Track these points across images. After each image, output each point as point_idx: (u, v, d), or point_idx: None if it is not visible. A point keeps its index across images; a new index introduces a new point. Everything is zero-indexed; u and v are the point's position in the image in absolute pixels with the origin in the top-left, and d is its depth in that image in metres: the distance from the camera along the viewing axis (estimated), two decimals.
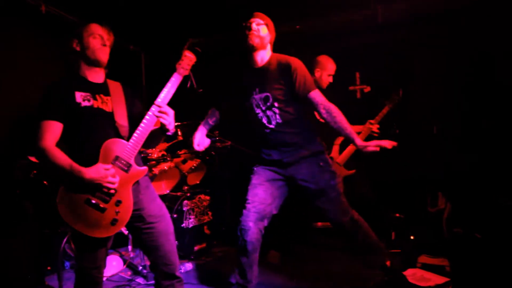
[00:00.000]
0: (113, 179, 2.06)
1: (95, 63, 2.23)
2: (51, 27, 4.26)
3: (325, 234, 4.24)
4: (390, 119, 3.94)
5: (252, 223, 2.73)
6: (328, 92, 3.39)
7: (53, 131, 2.05)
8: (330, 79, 3.68)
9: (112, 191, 2.08)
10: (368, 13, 4.00)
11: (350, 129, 2.56)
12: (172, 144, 4.10)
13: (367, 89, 4.19)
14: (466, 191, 3.91)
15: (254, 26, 2.66)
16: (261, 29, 2.67)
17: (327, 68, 3.61)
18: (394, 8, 3.95)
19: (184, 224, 3.86)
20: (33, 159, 3.56)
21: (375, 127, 3.78)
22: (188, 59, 2.35)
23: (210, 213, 4.14)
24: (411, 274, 3.32)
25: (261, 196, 2.76)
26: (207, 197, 4.14)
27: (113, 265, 3.65)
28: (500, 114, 3.80)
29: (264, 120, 2.71)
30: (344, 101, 3.14)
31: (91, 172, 2.00)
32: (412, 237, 3.91)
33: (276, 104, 2.65)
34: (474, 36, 3.90)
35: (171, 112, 2.20)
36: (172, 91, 2.27)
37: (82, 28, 2.21)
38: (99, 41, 2.20)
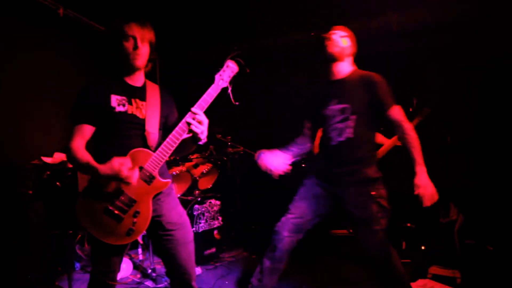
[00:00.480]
0: (129, 173, 1.97)
1: (130, 68, 2.15)
2: (69, 30, 4.34)
3: (342, 242, 4.23)
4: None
5: (287, 233, 2.74)
6: None
7: (82, 133, 2.04)
8: None
9: (129, 181, 2.01)
10: (383, 22, 4.00)
11: (419, 155, 2.48)
12: None
13: None
14: (478, 203, 3.87)
15: (333, 36, 2.64)
16: (342, 40, 2.64)
17: None
18: (409, 17, 3.94)
19: (194, 229, 3.87)
20: (46, 160, 3.61)
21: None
22: (230, 70, 2.26)
23: (220, 218, 4.14)
24: (422, 285, 3.30)
25: (304, 210, 2.75)
26: (218, 202, 4.15)
27: (123, 268, 3.66)
28: None
29: (335, 132, 2.64)
30: None
31: (105, 168, 1.96)
32: (423, 248, 3.88)
33: (352, 117, 2.59)
34: (488, 45, 3.88)
35: (205, 121, 2.13)
36: (210, 101, 2.16)
37: (114, 30, 2.09)
38: (131, 43, 2.08)
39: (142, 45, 2.09)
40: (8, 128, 3.69)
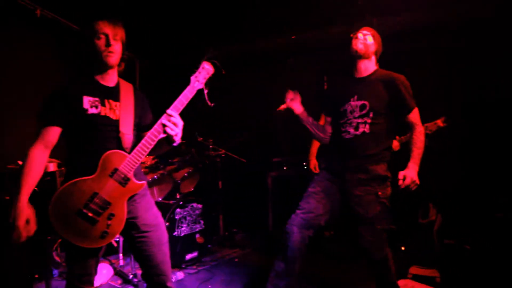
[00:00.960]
0: (23, 226, 1.91)
1: (103, 66, 2.12)
2: (46, 31, 4.25)
3: (335, 243, 4.25)
4: None
5: (296, 228, 2.69)
6: None
7: (47, 137, 1.99)
8: None
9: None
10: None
11: (419, 156, 2.61)
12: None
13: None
14: (457, 203, 3.97)
15: (360, 35, 2.74)
16: (367, 38, 2.73)
17: None
18: (389, 21, 4.01)
19: (176, 233, 3.83)
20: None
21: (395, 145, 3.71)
22: (206, 71, 2.26)
23: (202, 221, 4.12)
24: (403, 285, 3.35)
25: (313, 205, 2.73)
26: (200, 206, 4.12)
27: (103, 273, 3.59)
28: (493, 128, 3.87)
29: (352, 126, 2.69)
30: None
31: (19, 208, 1.90)
32: (403, 248, 3.94)
33: (371, 114, 2.65)
34: (468, 50, 3.99)
35: (180, 123, 2.10)
36: (185, 102, 2.15)
37: (86, 29, 2.06)
38: (103, 41, 2.05)
39: (114, 43, 2.07)
40: None
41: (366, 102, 2.67)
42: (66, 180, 2.02)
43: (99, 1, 3.88)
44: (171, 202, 3.98)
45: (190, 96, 2.19)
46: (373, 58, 2.78)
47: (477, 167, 4.00)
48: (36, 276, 3.45)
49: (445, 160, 4.12)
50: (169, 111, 2.10)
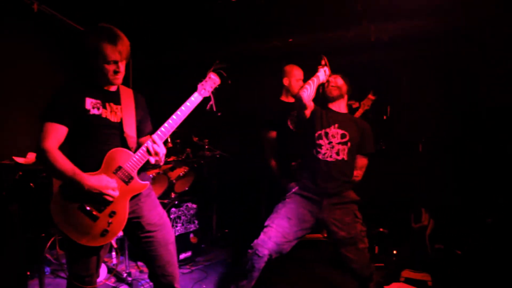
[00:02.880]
0: (113, 192, 2.01)
1: (108, 83, 2.14)
2: (43, 26, 4.21)
3: (307, 247, 4.27)
4: (377, 136, 4.03)
5: (268, 252, 2.72)
6: None
7: (56, 134, 1.97)
8: (301, 83, 3.72)
9: (110, 199, 2.02)
10: (361, 32, 4.11)
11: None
12: None
13: (355, 104, 4.27)
14: (449, 208, 4.04)
15: (332, 79, 2.98)
16: (338, 80, 2.97)
17: (293, 74, 3.67)
18: (386, 27, 4.07)
19: None
20: (18, 160, 3.47)
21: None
22: (212, 81, 2.34)
23: (196, 221, 4.11)
24: None
25: (286, 230, 2.76)
26: (194, 205, 4.12)
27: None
28: (484, 133, 3.95)
29: (333, 151, 2.84)
30: None
31: (93, 180, 1.95)
32: (395, 252, 4.00)
33: (349, 144, 2.86)
34: (460, 57, 4.07)
35: (162, 151, 2.16)
36: (190, 110, 2.22)
37: (95, 45, 2.00)
38: (113, 67, 2.04)
39: (121, 64, 2.07)
40: None
41: (346, 133, 2.87)
42: None
43: None
44: (165, 201, 3.96)
45: (197, 102, 2.27)
46: (346, 98, 3.02)
47: (469, 173, 4.07)
48: (28, 273, 3.41)
49: (439, 164, 4.19)
50: (154, 136, 2.14)
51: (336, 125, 2.88)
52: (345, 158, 2.85)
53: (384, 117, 4.17)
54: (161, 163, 2.23)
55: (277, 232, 2.75)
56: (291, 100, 3.66)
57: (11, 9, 3.88)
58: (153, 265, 2.26)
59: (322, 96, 2.99)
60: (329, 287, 3.53)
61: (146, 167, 2.24)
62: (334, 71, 3.04)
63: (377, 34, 4.00)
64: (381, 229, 4.16)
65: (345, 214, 2.82)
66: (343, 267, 2.87)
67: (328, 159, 2.83)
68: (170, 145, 4.09)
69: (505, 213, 3.61)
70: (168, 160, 4.11)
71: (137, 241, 2.24)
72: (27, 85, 4.03)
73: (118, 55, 2.02)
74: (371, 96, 3.70)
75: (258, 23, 4.65)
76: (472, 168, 4.04)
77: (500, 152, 3.89)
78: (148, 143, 2.13)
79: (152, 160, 2.14)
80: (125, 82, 2.27)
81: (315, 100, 2.95)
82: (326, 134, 2.86)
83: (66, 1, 4.16)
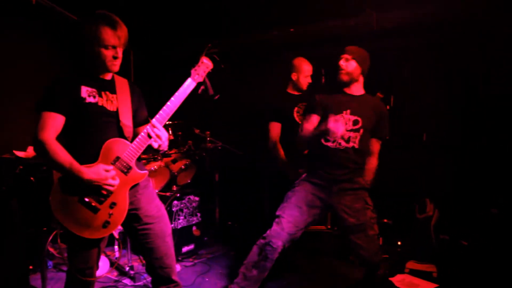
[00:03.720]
0: (113, 181, 2.00)
1: (105, 70, 2.12)
2: (42, 19, 4.17)
3: (316, 238, 4.25)
4: None
5: (281, 243, 2.71)
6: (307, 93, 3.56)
7: (54, 123, 1.95)
8: (309, 80, 3.68)
9: (111, 189, 2.01)
10: (364, 20, 4.04)
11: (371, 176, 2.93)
12: None
13: None
14: (454, 199, 3.98)
15: (342, 63, 2.80)
16: (349, 65, 2.79)
17: (302, 70, 3.62)
18: (389, 16, 3.99)
19: (173, 225, 3.80)
20: (19, 154, 3.45)
21: None
22: (205, 65, 2.30)
23: (199, 214, 4.09)
24: (400, 279, 3.37)
25: (297, 219, 2.75)
26: (197, 198, 4.09)
27: (100, 266, 3.55)
28: (489, 124, 3.88)
29: (343, 138, 2.74)
30: None
31: (90, 173, 1.93)
32: (399, 243, 3.96)
33: (361, 131, 2.76)
34: (465, 47, 3.98)
35: (164, 135, 2.14)
36: (184, 95, 2.21)
37: (93, 30, 1.98)
38: (111, 52, 2.03)
39: (119, 50, 2.06)
40: None
41: (359, 119, 2.76)
42: None
43: None
44: (168, 194, 3.94)
45: (191, 88, 2.24)
46: (361, 79, 2.87)
47: (476, 161, 4.01)
48: (31, 267, 3.41)
49: (443, 153, 4.13)
50: (153, 121, 2.13)
51: (348, 111, 2.77)
52: (356, 146, 2.76)
53: (388, 107, 4.10)
54: (165, 148, 2.21)
55: (288, 222, 2.73)
56: (297, 92, 3.67)
57: (9, 1, 3.84)
58: (151, 257, 2.27)
59: (337, 81, 2.86)
60: (333, 277, 3.52)
61: (150, 154, 2.23)
62: (337, 59, 2.92)
63: (380, 22, 3.93)
64: (385, 220, 4.11)
65: (355, 200, 2.77)
66: (348, 258, 2.85)
67: (338, 146, 2.75)
68: (171, 137, 4.06)
69: (510, 203, 3.55)
70: (170, 152, 4.08)
71: (135, 233, 2.25)
72: (27, 79, 4.01)
73: (117, 40, 2.01)
74: (379, 95, 3.62)
75: (258, 13, 4.59)
76: (478, 158, 3.97)
77: (506, 141, 3.82)
78: (148, 127, 2.12)
79: (155, 144, 2.12)
80: (127, 77, 2.26)
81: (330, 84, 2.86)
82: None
83: None
